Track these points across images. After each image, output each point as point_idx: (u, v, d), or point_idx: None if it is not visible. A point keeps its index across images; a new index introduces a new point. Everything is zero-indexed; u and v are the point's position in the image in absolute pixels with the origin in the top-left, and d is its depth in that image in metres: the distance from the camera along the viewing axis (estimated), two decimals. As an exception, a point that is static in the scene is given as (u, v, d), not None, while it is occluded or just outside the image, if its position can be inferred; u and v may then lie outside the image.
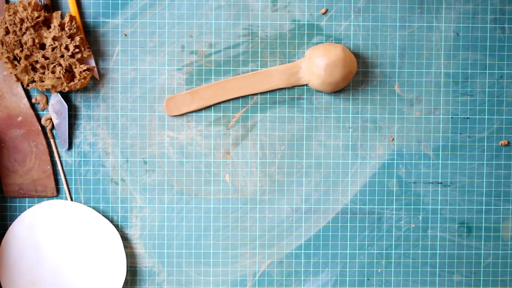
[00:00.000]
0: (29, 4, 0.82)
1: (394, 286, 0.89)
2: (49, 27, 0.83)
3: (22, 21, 0.82)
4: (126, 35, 0.87)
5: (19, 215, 0.87)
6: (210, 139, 0.88)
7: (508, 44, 0.88)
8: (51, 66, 0.83)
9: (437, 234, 0.89)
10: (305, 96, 0.88)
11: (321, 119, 0.88)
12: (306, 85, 0.87)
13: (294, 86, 0.87)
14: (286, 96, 0.88)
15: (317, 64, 0.84)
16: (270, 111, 0.88)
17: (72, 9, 0.85)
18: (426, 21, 0.88)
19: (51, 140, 0.87)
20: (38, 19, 0.82)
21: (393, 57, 0.87)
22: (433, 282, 0.89)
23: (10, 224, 0.87)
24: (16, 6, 0.82)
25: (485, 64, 0.88)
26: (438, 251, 0.89)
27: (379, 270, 0.89)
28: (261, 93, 0.87)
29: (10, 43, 0.82)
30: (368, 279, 0.89)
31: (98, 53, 0.87)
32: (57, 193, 0.87)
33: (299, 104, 0.88)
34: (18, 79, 0.84)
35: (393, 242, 0.89)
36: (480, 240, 0.89)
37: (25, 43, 0.82)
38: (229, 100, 0.87)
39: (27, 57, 0.83)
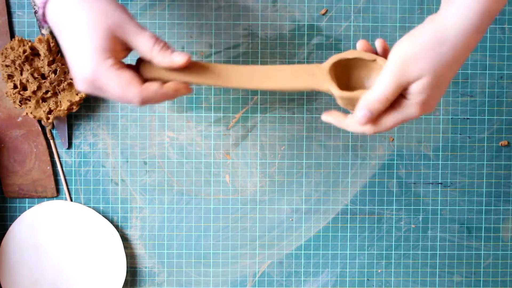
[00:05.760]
0: (17, 41, 0.81)
1: (394, 286, 0.89)
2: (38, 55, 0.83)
3: (13, 62, 0.81)
4: (126, 35, 0.87)
5: (19, 215, 0.87)
6: (210, 140, 0.88)
7: (508, 45, 0.88)
8: (62, 85, 0.83)
9: (437, 235, 0.89)
10: (305, 96, 0.88)
11: (321, 119, 0.88)
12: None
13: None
14: (286, 97, 0.88)
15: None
16: (270, 111, 0.88)
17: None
18: (426, 21, 0.88)
19: (51, 141, 0.87)
20: (26, 53, 0.81)
21: (393, 58, 0.87)
22: (433, 282, 0.89)
23: (10, 225, 0.87)
24: (6, 49, 0.82)
25: (485, 65, 0.88)
26: (438, 252, 0.89)
27: (379, 271, 0.89)
28: (263, 93, 0.87)
29: (18, 86, 0.82)
30: (368, 279, 0.89)
31: (98, 54, 0.87)
32: (57, 193, 0.87)
33: (299, 104, 0.88)
34: (35, 117, 0.83)
35: (393, 243, 0.89)
36: (480, 240, 0.89)
37: (27, 81, 0.82)
38: (228, 98, 0.87)
39: (35, 92, 0.83)
